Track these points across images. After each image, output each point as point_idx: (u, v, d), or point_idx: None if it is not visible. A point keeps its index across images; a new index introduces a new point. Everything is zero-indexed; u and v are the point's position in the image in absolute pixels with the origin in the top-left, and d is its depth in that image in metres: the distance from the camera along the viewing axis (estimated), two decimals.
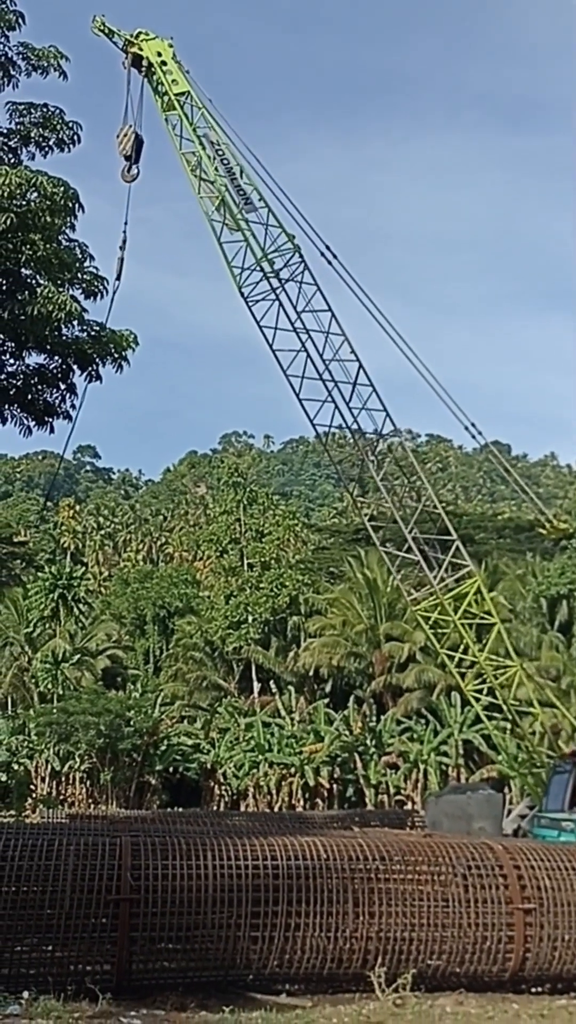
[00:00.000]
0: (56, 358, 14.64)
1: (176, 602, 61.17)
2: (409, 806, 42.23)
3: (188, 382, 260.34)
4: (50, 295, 13.41)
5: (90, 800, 48.91)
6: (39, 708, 51.15)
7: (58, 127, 14.19)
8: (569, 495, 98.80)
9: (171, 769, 50.48)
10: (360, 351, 26.81)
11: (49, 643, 54.70)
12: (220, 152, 26.80)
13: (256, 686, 52.48)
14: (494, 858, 10.83)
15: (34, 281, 14.03)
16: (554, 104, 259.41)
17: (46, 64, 13.96)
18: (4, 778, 50.08)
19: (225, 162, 26.78)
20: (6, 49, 13.87)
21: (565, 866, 10.95)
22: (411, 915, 10.19)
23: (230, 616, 53.39)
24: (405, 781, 45.56)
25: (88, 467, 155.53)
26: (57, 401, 14.86)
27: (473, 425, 28.54)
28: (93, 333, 14.75)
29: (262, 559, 57.05)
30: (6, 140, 14.23)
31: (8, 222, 12.95)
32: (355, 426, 27.23)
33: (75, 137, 14.37)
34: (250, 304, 26.58)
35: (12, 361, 14.54)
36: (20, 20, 13.77)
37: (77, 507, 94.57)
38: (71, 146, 14.39)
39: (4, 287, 13.92)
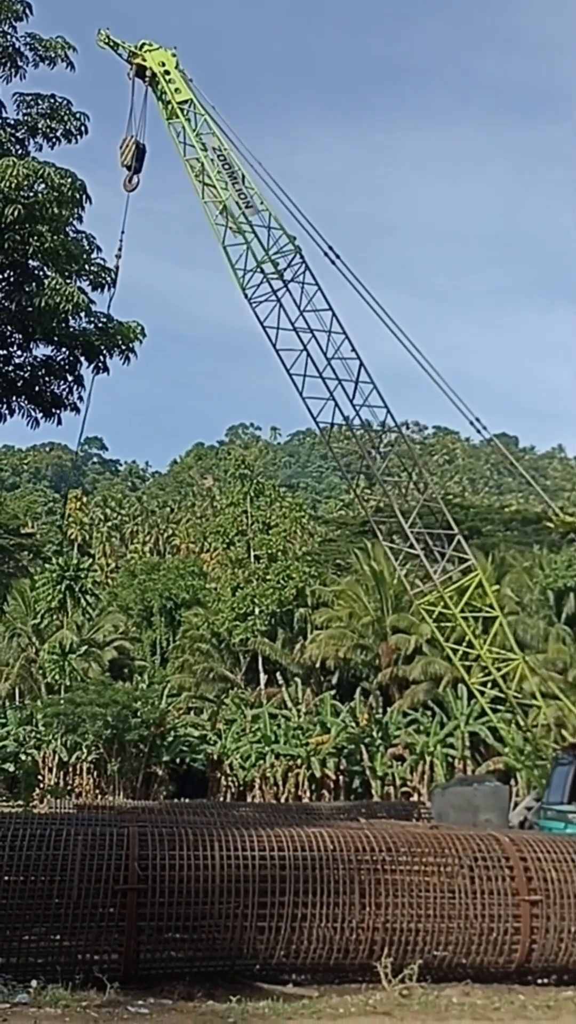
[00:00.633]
0: (63, 350, 14.63)
1: (183, 594, 61.24)
2: (415, 798, 42.26)
3: (195, 374, 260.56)
4: (57, 287, 13.39)
5: (97, 790, 49.10)
6: (46, 699, 51.34)
7: (65, 118, 14.16)
8: None
9: (178, 760, 50.64)
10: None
11: (56, 634, 54.86)
12: (222, 157, 27.40)
13: (263, 678, 52.57)
14: (500, 850, 10.84)
15: (41, 272, 14.01)
16: (564, 94, 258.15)
17: (53, 55, 13.93)
18: (12, 768, 50.37)
19: (227, 167, 27.37)
20: (13, 40, 13.83)
21: (571, 858, 10.95)
22: (417, 906, 10.21)
23: (237, 608, 53.47)
24: (411, 773, 45.63)
25: (95, 459, 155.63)
26: (64, 393, 14.85)
27: (478, 420, 28.99)
28: (100, 325, 14.74)
29: (269, 551, 57.08)
30: (13, 131, 14.20)
31: (15, 213, 12.93)
32: (357, 422, 27.84)
33: (82, 128, 14.33)
34: (254, 305, 27.24)
35: (19, 353, 14.55)
36: (27, 10, 13.74)
37: (84, 499, 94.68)
38: (78, 137, 14.36)
39: (11, 279, 13.92)
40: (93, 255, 14.80)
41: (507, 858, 10.76)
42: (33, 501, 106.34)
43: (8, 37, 13.80)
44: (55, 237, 13.73)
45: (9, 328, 14.07)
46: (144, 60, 28.12)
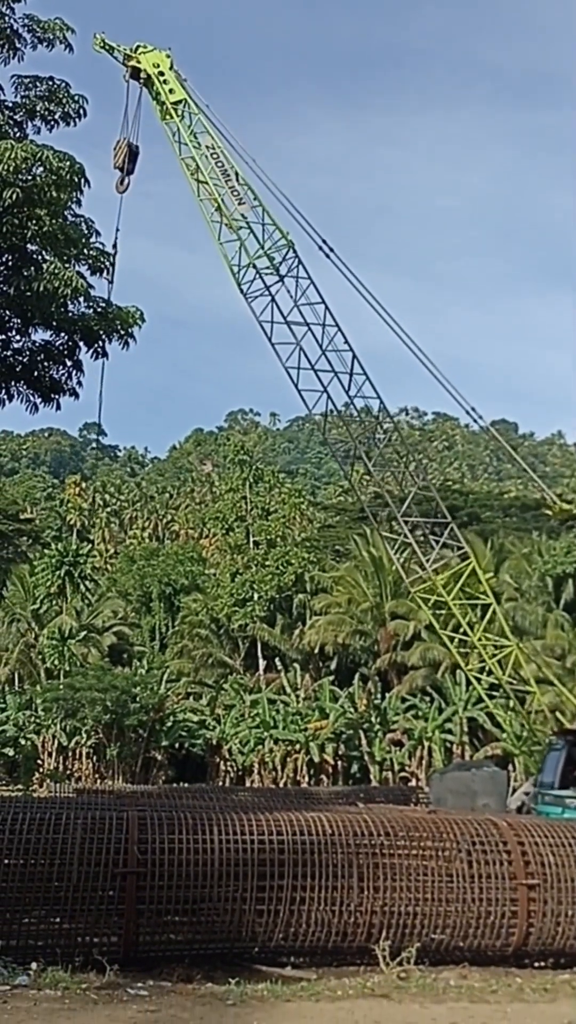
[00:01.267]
0: (62, 335, 14.59)
1: (182, 579, 61.28)
2: (414, 783, 42.38)
3: (194, 360, 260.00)
4: (56, 271, 13.33)
5: (97, 775, 49.25)
6: (46, 684, 51.46)
7: (64, 101, 14.06)
8: (575, 474, 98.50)
9: (177, 745, 50.78)
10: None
11: (56, 620, 54.94)
12: (215, 155, 27.83)
13: (262, 663, 52.68)
14: (498, 834, 10.89)
15: (40, 257, 13.94)
16: (564, 78, 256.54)
17: (52, 36, 13.83)
18: (12, 753, 50.55)
19: (220, 165, 27.82)
20: (11, 21, 13.72)
21: (569, 842, 11.01)
22: (415, 890, 10.27)
23: (236, 594, 53.51)
24: (410, 758, 45.75)
25: (94, 444, 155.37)
26: (63, 378, 14.81)
27: (474, 409, 29.56)
28: (99, 310, 14.68)
29: (268, 537, 57.10)
30: (12, 114, 14.11)
31: (14, 197, 12.86)
32: (352, 413, 28.52)
33: (81, 111, 14.24)
34: (250, 300, 27.72)
35: (18, 338, 14.50)
36: None
37: (83, 484, 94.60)
38: (77, 120, 14.28)
39: (10, 263, 13.84)
40: (92, 239, 14.74)
41: (505, 842, 10.81)
42: (32, 487, 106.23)
43: (6, 19, 13.68)
44: (53, 221, 13.66)
45: (8, 313, 14.01)
46: (139, 62, 28.67)
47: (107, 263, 14.88)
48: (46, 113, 14.08)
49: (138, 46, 28.91)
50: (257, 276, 27.49)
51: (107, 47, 28.87)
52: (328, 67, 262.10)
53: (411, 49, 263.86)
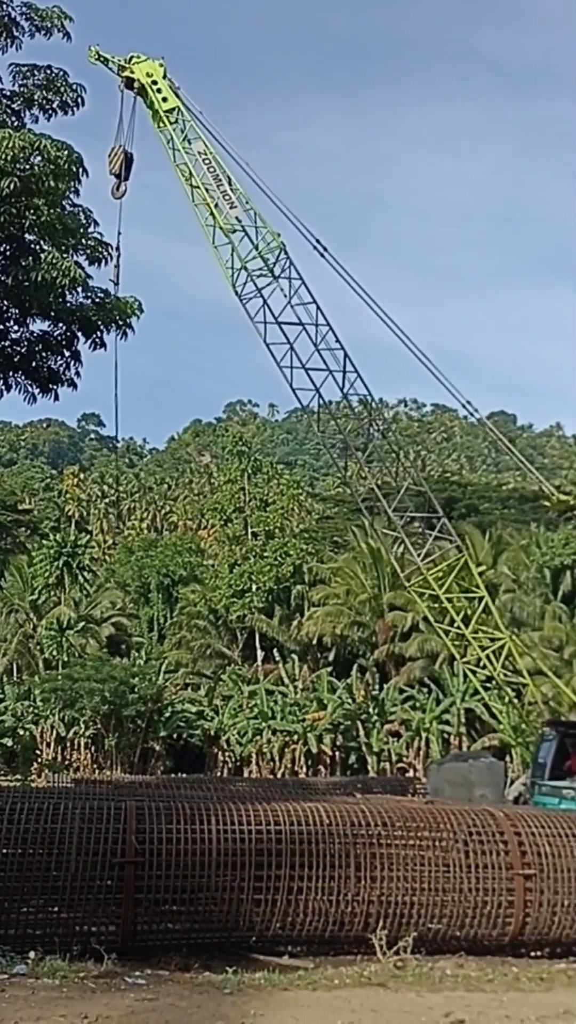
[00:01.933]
0: (60, 325, 14.52)
1: (180, 570, 61.30)
2: (411, 773, 42.54)
3: (193, 351, 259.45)
4: (54, 261, 13.27)
5: (95, 765, 49.37)
6: (44, 674, 51.51)
7: (62, 89, 13.96)
8: (574, 466, 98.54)
9: (175, 735, 50.90)
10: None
11: (54, 610, 54.96)
12: (207, 161, 28.51)
13: (260, 654, 52.77)
14: (495, 824, 10.93)
15: (38, 247, 13.87)
16: (564, 70, 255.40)
17: (49, 25, 13.71)
18: (10, 743, 50.63)
19: (212, 170, 28.50)
20: (9, 9, 13.63)
21: (565, 833, 11.05)
22: (412, 880, 10.30)
23: (234, 585, 53.53)
24: (407, 749, 45.89)
25: (92, 435, 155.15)
26: (61, 368, 14.76)
27: (469, 403, 30.26)
28: (98, 300, 14.63)
29: (266, 528, 57.09)
30: (9, 103, 14.01)
31: (11, 186, 12.80)
32: (345, 411, 29.22)
33: (79, 100, 14.14)
34: (244, 302, 28.26)
35: (16, 328, 14.43)
36: None
37: (81, 475, 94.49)
38: (75, 109, 14.17)
39: (7, 253, 13.78)
40: (90, 229, 14.66)
41: (502, 832, 10.84)
42: (30, 477, 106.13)
43: (4, 7, 13.59)
44: (52, 210, 13.60)
45: (6, 303, 13.96)
46: (133, 72, 29.25)
47: (105, 253, 14.82)
48: (44, 102, 13.98)
49: (132, 56, 29.54)
50: (249, 279, 28.05)
51: (102, 59, 29.46)
52: (327, 58, 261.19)
53: (411, 40, 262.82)
